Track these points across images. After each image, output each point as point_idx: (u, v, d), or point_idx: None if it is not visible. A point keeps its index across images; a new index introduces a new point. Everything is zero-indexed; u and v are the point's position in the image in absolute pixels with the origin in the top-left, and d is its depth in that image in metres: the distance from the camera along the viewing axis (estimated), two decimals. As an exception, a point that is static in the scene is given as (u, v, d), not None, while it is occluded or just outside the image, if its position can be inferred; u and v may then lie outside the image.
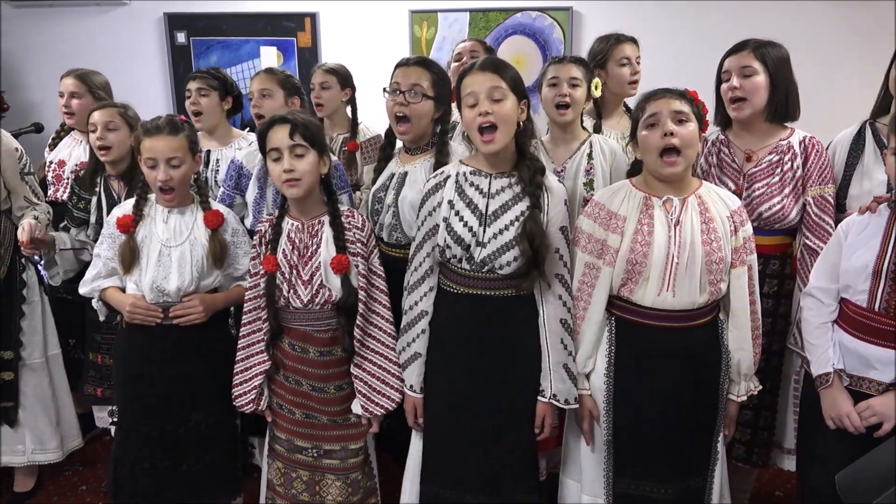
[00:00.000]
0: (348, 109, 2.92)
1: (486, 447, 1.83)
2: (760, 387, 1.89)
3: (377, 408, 1.90)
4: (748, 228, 1.80)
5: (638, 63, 2.57)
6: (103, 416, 2.56)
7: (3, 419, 2.46)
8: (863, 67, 3.44)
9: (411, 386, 1.89)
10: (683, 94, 1.76)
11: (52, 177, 2.71)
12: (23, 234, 2.26)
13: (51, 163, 2.75)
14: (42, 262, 2.49)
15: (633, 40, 2.59)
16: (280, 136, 1.82)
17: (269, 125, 1.85)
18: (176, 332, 2.01)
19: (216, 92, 2.67)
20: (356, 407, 1.92)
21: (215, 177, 2.67)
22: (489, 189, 1.80)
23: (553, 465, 2.31)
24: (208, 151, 2.68)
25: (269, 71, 2.55)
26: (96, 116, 2.33)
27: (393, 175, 2.14)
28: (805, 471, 1.90)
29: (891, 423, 1.61)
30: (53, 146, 2.85)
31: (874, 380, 1.67)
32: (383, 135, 2.28)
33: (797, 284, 2.09)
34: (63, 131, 2.86)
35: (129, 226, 1.99)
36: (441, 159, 2.06)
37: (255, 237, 1.98)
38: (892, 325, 1.62)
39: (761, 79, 2.02)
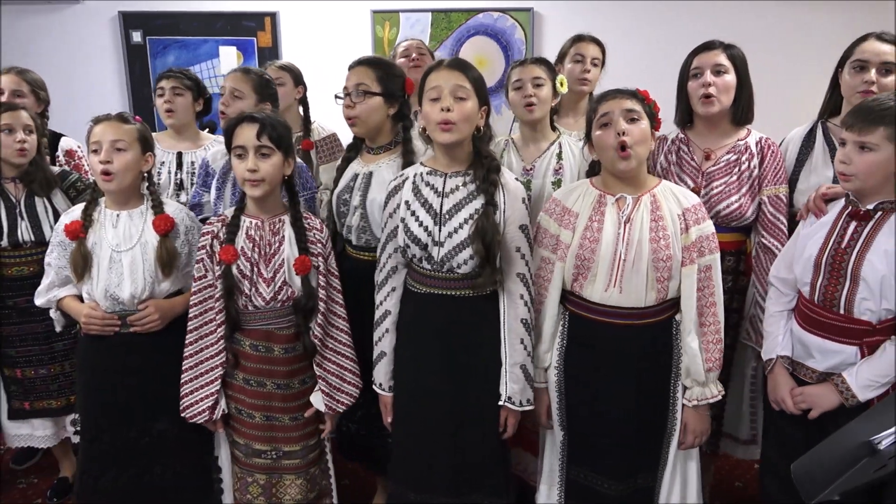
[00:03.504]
0: (300, 109, 2.91)
1: (450, 447, 1.83)
2: (720, 395, 1.83)
3: (338, 405, 1.94)
4: (706, 227, 1.79)
5: (594, 64, 2.63)
6: (24, 435, 2.45)
7: None
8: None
9: (381, 385, 1.91)
10: (635, 94, 1.79)
11: None
12: None
13: None
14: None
15: (596, 42, 2.67)
16: (247, 135, 1.82)
17: (238, 122, 1.85)
18: (135, 339, 1.96)
19: (190, 92, 2.64)
20: (318, 402, 1.92)
21: (191, 179, 2.62)
22: (444, 188, 1.81)
23: (521, 469, 2.32)
24: (180, 153, 2.64)
25: (245, 71, 2.47)
26: (10, 119, 2.26)
27: (357, 175, 2.12)
28: (766, 453, 1.94)
29: (818, 411, 1.68)
30: None
31: (810, 367, 1.74)
32: (339, 134, 2.26)
33: (752, 281, 2.14)
34: None
35: (77, 232, 1.93)
36: (407, 158, 2.06)
37: (203, 238, 1.92)
38: (827, 317, 1.69)
39: (731, 78, 2.07)
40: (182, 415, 1.91)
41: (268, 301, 1.87)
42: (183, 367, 1.92)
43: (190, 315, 1.92)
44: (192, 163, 2.64)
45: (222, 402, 1.92)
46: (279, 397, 1.92)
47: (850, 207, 1.69)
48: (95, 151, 1.92)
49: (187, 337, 1.92)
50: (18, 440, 2.46)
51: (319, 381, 1.92)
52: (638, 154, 1.74)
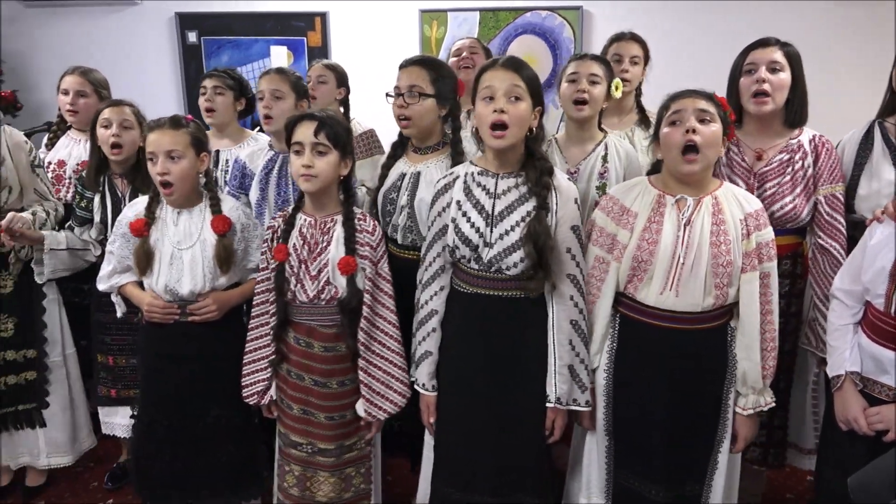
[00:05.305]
0: (340, 110, 2.93)
1: (493, 448, 1.83)
2: (773, 403, 1.80)
3: (380, 411, 1.92)
4: (766, 234, 1.73)
5: (633, 62, 2.55)
6: (110, 422, 2.55)
7: (25, 422, 2.46)
8: (863, 67, 3.41)
9: (423, 384, 1.91)
10: (710, 96, 1.74)
11: (53, 177, 2.67)
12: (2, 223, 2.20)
13: (49, 163, 2.72)
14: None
15: (634, 38, 2.59)
16: (305, 132, 1.85)
17: (299, 120, 1.88)
18: (193, 329, 2.04)
19: (231, 92, 2.70)
20: (360, 409, 1.93)
21: (225, 177, 2.67)
22: (496, 189, 1.79)
23: (561, 463, 2.30)
24: (217, 151, 2.68)
25: (281, 71, 2.49)
26: (110, 114, 2.32)
27: (404, 175, 2.12)
28: (821, 470, 1.88)
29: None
30: (51, 145, 2.82)
31: (885, 384, 1.64)
32: (378, 132, 2.25)
33: (809, 283, 2.07)
34: (59, 130, 2.83)
35: (142, 230, 2.01)
36: (456, 158, 2.06)
37: (266, 232, 2.00)
38: None
39: (786, 76, 2.00)
40: (242, 393, 2.00)
41: (311, 298, 1.90)
42: (245, 351, 2.01)
43: (253, 303, 2.01)
44: (227, 161, 2.69)
45: (272, 389, 1.99)
46: (316, 394, 1.94)
47: None
48: (151, 160, 1.97)
49: (250, 323, 2.01)
50: (108, 427, 2.56)
51: (362, 386, 1.91)
52: (706, 157, 1.69)
